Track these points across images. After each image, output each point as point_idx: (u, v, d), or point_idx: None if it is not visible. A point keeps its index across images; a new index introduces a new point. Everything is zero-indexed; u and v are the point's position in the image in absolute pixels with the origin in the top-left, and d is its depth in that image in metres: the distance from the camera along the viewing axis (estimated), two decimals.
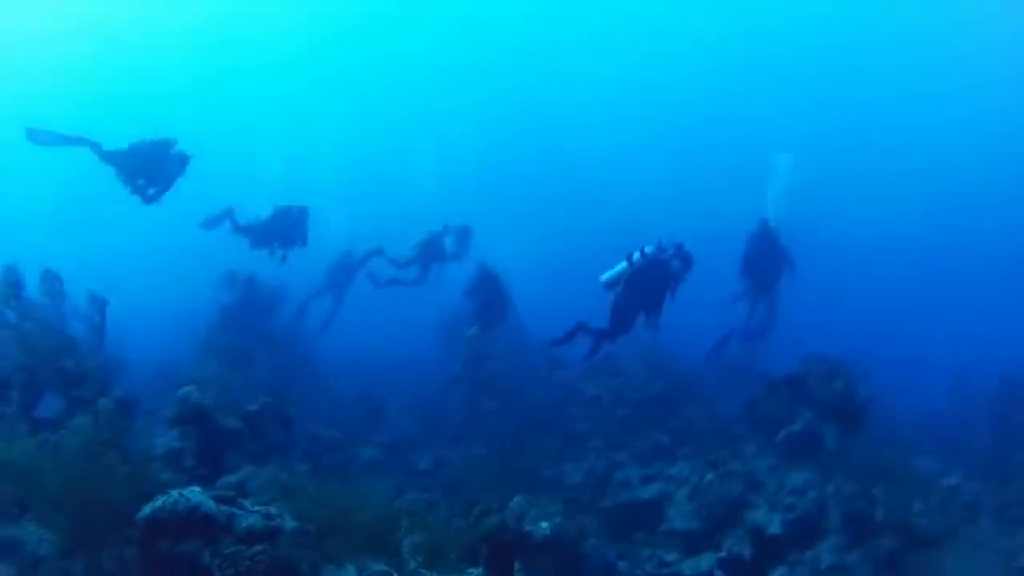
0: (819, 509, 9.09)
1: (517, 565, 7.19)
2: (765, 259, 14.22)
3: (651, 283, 10.86)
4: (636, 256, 10.99)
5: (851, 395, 10.77)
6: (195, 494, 5.20)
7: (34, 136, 12.70)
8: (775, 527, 8.93)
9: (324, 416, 13.37)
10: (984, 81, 35.40)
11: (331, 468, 10.80)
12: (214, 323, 15.27)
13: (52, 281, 8.40)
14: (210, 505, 5.15)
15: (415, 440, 13.42)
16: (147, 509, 5.05)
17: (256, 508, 5.55)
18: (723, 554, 8.79)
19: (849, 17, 36.12)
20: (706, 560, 8.81)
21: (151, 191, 12.70)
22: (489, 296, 14.78)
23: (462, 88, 40.72)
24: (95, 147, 12.60)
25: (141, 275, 30.00)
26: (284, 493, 6.51)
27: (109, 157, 12.59)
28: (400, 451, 12.88)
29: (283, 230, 14.75)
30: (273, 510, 5.62)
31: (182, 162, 12.70)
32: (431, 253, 16.37)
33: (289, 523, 5.56)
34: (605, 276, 11.34)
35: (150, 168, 12.60)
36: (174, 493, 5.11)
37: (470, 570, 6.20)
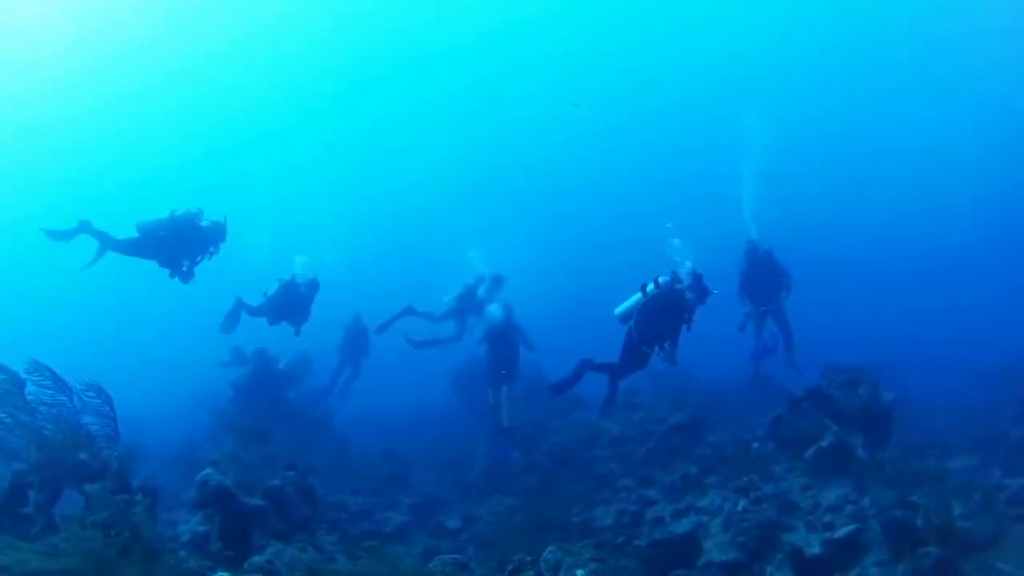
0: (858, 523, 8.87)
1: None
2: (762, 279, 14.21)
3: (665, 314, 10.75)
4: (650, 287, 10.91)
5: (876, 401, 10.63)
6: None
7: (51, 236, 12.21)
8: (815, 548, 8.68)
9: (349, 482, 13.26)
10: (981, 74, 35.54)
11: (359, 537, 10.65)
12: (227, 400, 15.23)
13: (45, 374, 8.27)
14: None
15: (442, 499, 13.27)
16: None
17: None
18: None
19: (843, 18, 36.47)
20: None
21: (184, 268, 12.35)
22: (503, 350, 14.55)
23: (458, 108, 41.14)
24: (102, 237, 12.18)
25: (161, 357, 30.17)
26: (312, 571, 6.39)
27: (122, 247, 12.22)
28: (428, 512, 12.72)
29: (293, 305, 14.60)
30: None
31: (219, 232, 12.38)
32: (467, 305, 16.20)
33: None
34: (619, 309, 11.25)
35: (187, 246, 12.23)
36: None
37: None
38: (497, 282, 16.03)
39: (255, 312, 14.80)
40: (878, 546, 8.58)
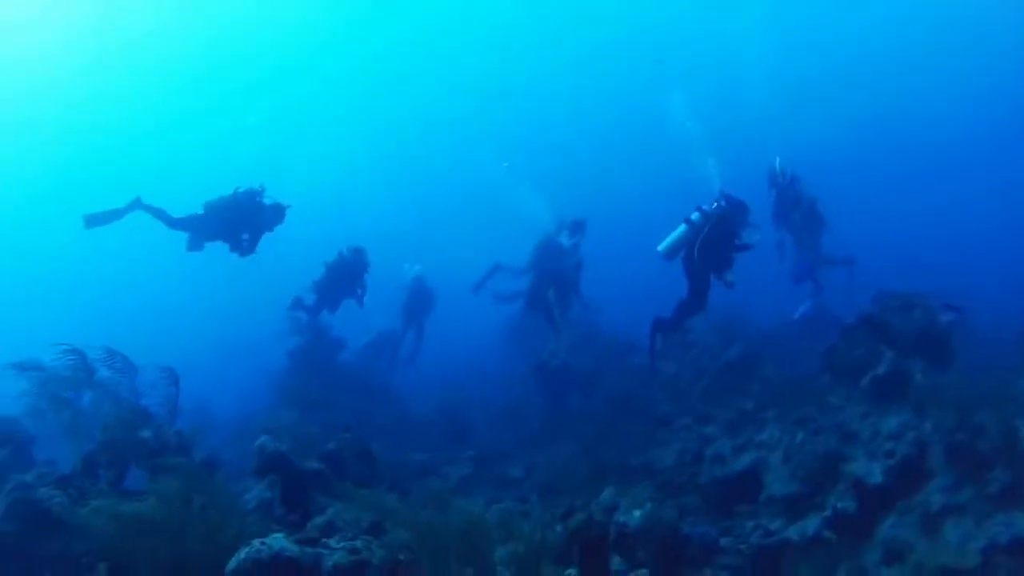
0: (920, 449, 8.64)
1: (617, 559, 7.07)
2: (789, 206, 13.91)
3: (721, 240, 10.69)
4: (695, 216, 10.81)
5: (933, 324, 10.29)
6: (276, 540, 5.24)
7: (92, 222, 12.24)
8: (876, 476, 8.52)
9: (410, 441, 13.42)
10: None
11: (421, 493, 10.81)
12: (284, 370, 15.46)
13: (117, 359, 8.57)
14: (292, 549, 5.18)
15: (503, 450, 13.37)
16: (233, 563, 5.10)
17: (341, 544, 5.57)
18: (828, 513, 8.45)
19: None
20: (812, 522, 8.47)
21: (244, 241, 12.55)
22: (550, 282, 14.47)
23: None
24: (160, 214, 12.35)
25: (223, 336, 30.67)
26: (372, 521, 6.54)
27: (183, 224, 12.41)
28: (490, 463, 12.83)
29: (343, 279, 14.67)
30: (359, 543, 5.63)
31: (279, 212, 12.53)
32: (548, 253, 15.61)
33: (377, 553, 5.56)
34: (663, 244, 11.11)
35: (246, 222, 12.41)
36: (255, 543, 5.15)
37: (567, 572, 6.10)
38: (578, 226, 15.44)
39: (316, 308, 14.94)
40: (942, 472, 8.38)
